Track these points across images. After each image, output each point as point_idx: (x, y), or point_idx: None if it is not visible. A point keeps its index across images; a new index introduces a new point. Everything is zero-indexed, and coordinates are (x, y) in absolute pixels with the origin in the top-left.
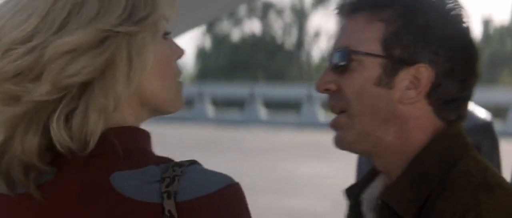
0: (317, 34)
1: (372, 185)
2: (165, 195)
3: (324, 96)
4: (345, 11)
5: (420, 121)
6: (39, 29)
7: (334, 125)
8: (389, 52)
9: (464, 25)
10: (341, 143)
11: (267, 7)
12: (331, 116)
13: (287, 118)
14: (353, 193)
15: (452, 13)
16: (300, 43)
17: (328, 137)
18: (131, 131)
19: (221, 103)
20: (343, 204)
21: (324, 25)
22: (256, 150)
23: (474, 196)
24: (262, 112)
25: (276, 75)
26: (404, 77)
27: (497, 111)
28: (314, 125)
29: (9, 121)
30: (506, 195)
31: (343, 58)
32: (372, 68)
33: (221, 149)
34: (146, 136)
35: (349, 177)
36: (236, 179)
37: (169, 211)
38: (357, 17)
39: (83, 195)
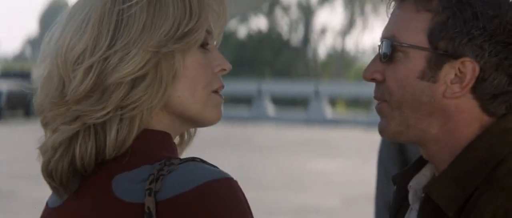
0: (323, 31)
1: (420, 173)
2: (146, 192)
3: (331, 92)
4: None
5: (465, 115)
6: (95, 42)
7: (378, 110)
8: (434, 44)
9: None
10: (384, 132)
11: (273, 4)
12: (338, 113)
13: (295, 115)
14: (400, 181)
15: (507, 1)
16: (306, 39)
17: (336, 133)
18: (142, 132)
19: (228, 100)
20: (351, 200)
21: (331, 21)
22: (264, 146)
23: None
24: (270, 109)
25: (283, 72)
26: (448, 71)
27: None
28: (322, 121)
29: (69, 138)
30: None
31: (389, 48)
32: (416, 61)
33: (229, 146)
34: (159, 136)
35: (357, 173)
36: (245, 175)
37: (148, 208)
38: (406, 5)
39: (94, 202)
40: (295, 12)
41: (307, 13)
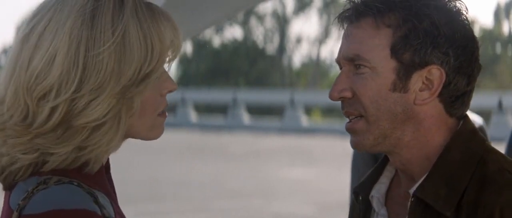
0: (298, 40)
1: (379, 182)
2: (16, 207)
3: (307, 101)
4: (349, 18)
5: (434, 119)
6: (60, 82)
7: (351, 129)
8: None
9: (465, 18)
10: (360, 147)
11: (248, 13)
12: (313, 121)
13: (270, 123)
14: (362, 192)
15: (453, 9)
16: (281, 48)
17: (311, 141)
18: None
19: (204, 109)
20: (326, 208)
21: (306, 30)
22: (240, 155)
23: None
24: (245, 117)
25: (258, 81)
26: (417, 80)
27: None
28: (297, 129)
29: (24, 167)
30: None
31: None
32: (385, 74)
33: (205, 154)
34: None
35: (332, 182)
36: (220, 184)
37: None
38: (363, 24)
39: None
40: (270, 22)
41: (282, 22)
